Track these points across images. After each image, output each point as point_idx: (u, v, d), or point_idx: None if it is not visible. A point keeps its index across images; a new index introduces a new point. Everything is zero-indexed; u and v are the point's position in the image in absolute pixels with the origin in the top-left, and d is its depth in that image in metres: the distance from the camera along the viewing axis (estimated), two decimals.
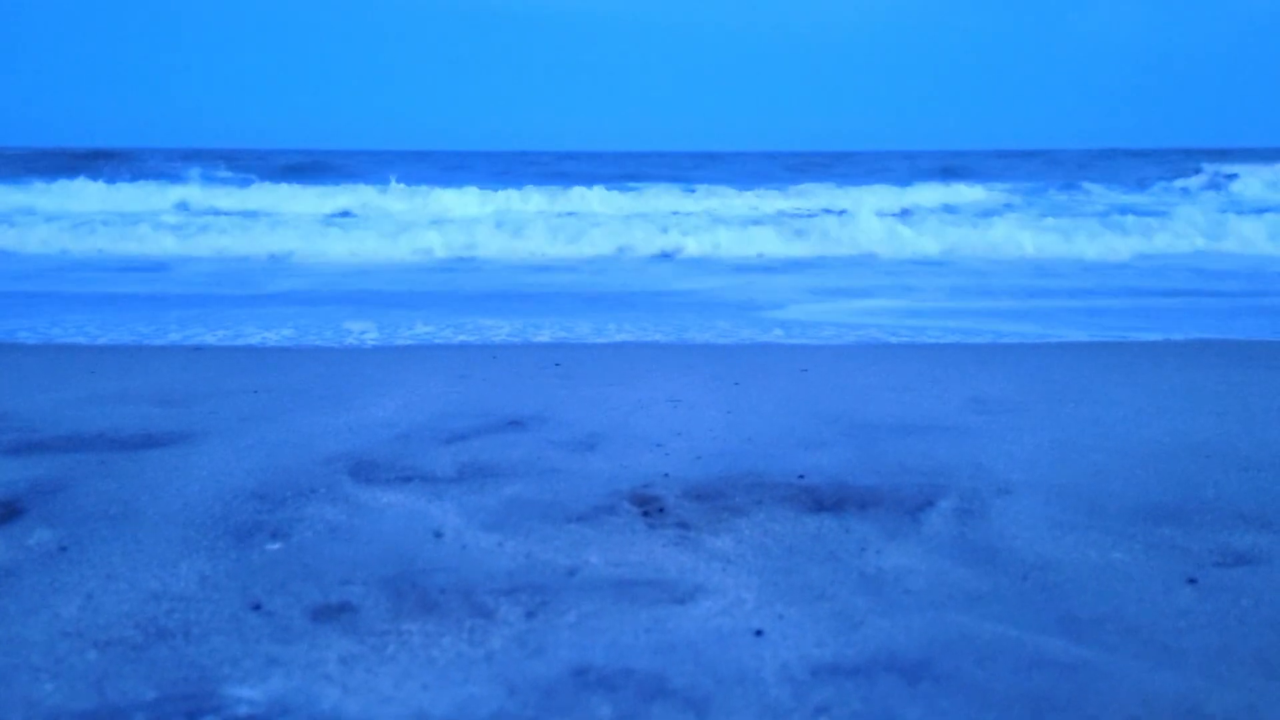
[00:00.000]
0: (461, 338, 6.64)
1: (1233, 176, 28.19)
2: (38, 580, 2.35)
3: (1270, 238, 13.45)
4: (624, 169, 35.13)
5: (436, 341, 6.47)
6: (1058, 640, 2.03)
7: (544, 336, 6.66)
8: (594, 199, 21.32)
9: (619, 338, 6.69)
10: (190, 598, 2.26)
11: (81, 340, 6.48)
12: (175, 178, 26.61)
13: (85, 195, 21.30)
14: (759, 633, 2.08)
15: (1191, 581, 2.32)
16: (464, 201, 20.35)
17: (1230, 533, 2.64)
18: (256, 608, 2.21)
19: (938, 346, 6.25)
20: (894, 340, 6.57)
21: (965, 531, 2.68)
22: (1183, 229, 14.04)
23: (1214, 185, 26.93)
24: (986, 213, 18.03)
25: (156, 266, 11.50)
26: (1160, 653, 1.97)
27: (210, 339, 6.55)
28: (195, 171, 28.32)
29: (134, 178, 25.60)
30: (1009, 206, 21.30)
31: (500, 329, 6.97)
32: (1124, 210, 18.75)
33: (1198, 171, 29.68)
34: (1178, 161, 37.77)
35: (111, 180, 24.01)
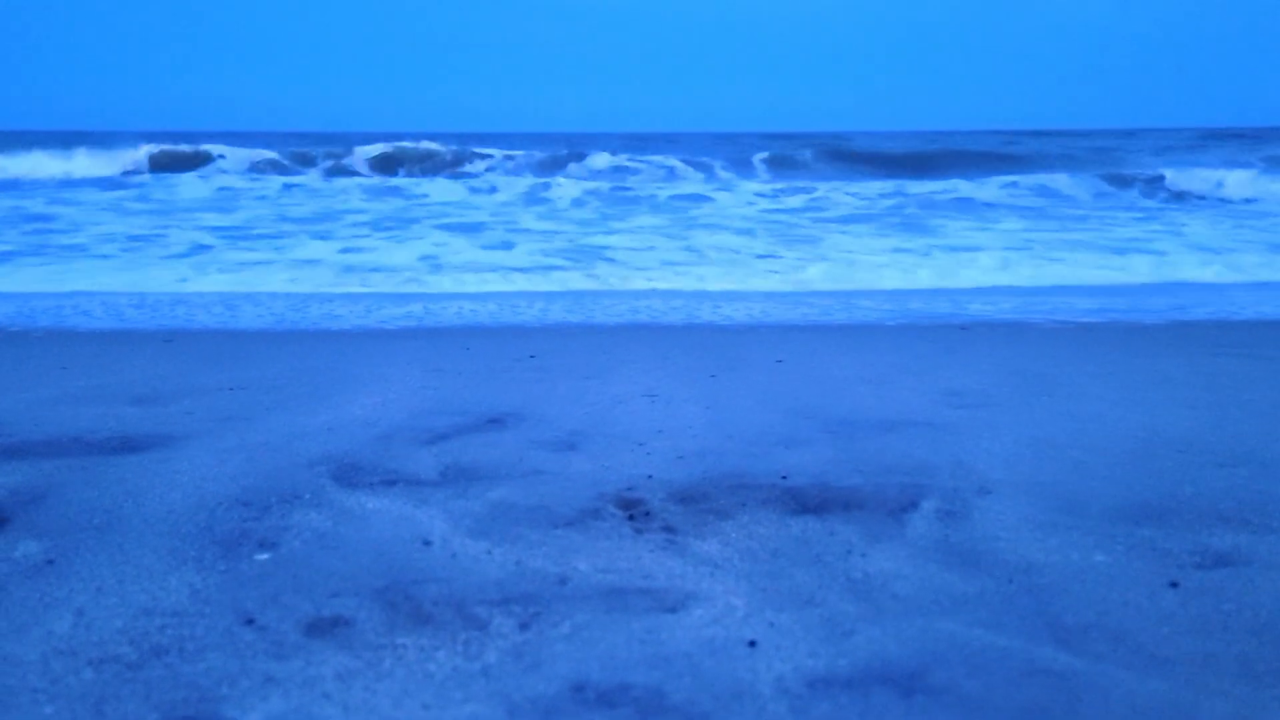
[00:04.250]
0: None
1: None
2: (27, 595, 2.34)
3: None
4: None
5: (408, 327, 6.47)
6: (1047, 648, 2.06)
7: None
8: None
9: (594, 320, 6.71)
10: (182, 612, 2.25)
11: (51, 327, 6.43)
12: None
13: None
14: (752, 643, 2.10)
15: (1174, 585, 2.36)
16: None
17: (1210, 533, 2.67)
18: (249, 622, 2.21)
19: (909, 334, 6.29)
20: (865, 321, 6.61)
21: (949, 534, 2.71)
22: None
23: None
24: None
25: None
26: (1148, 661, 2.00)
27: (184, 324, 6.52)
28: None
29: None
30: None
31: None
32: None
33: None
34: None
35: None
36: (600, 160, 27.48)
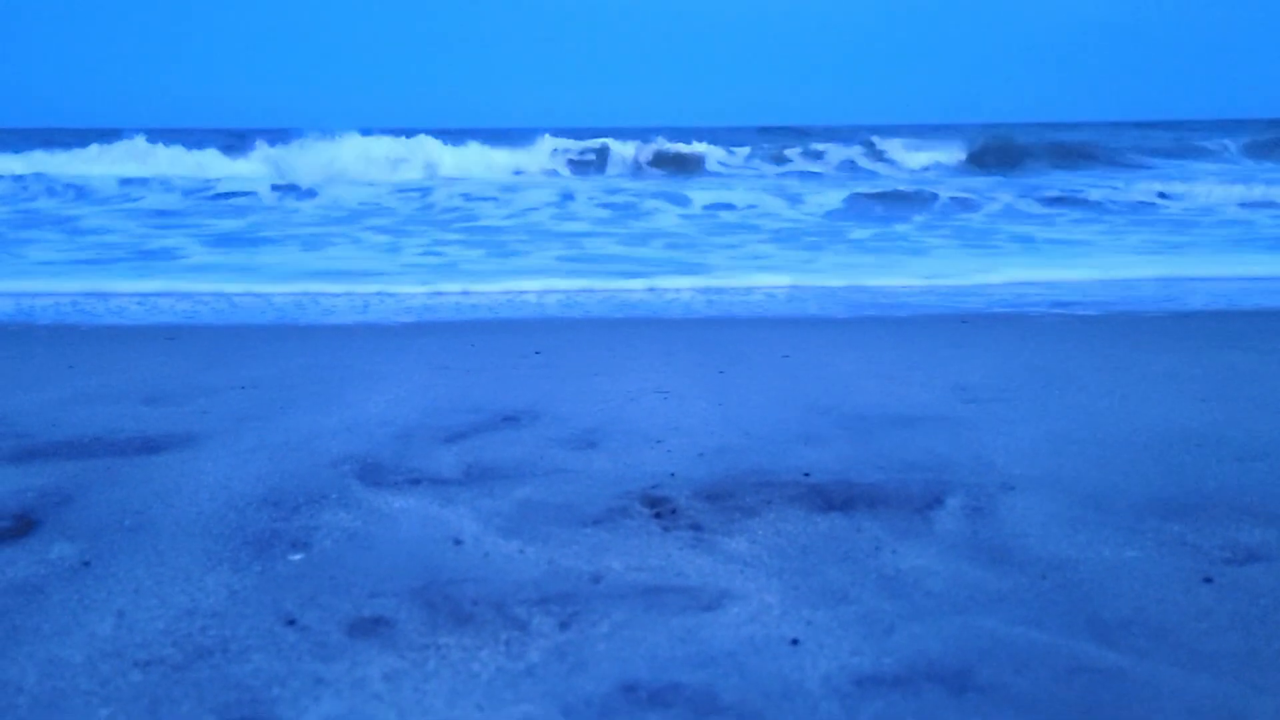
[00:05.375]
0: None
1: None
2: (66, 597, 2.34)
3: None
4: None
5: (408, 323, 6.46)
6: (1090, 645, 2.07)
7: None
8: None
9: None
10: (222, 613, 2.25)
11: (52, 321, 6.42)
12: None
13: None
14: (795, 642, 2.11)
15: (1208, 580, 2.38)
16: None
17: (1238, 528, 2.70)
18: (291, 623, 2.21)
19: (911, 327, 6.31)
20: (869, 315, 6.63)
21: (977, 530, 2.72)
22: None
23: None
24: None
25: None
26: (1192, 657, 2.02)
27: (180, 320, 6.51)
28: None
29: None
30: None
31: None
32: None
33: None
34: None
35: None
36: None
